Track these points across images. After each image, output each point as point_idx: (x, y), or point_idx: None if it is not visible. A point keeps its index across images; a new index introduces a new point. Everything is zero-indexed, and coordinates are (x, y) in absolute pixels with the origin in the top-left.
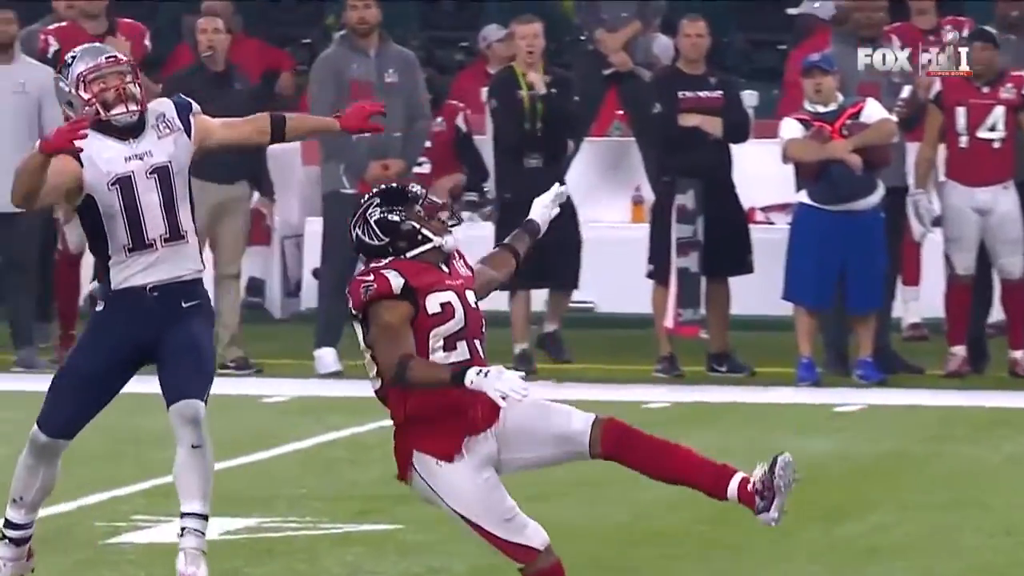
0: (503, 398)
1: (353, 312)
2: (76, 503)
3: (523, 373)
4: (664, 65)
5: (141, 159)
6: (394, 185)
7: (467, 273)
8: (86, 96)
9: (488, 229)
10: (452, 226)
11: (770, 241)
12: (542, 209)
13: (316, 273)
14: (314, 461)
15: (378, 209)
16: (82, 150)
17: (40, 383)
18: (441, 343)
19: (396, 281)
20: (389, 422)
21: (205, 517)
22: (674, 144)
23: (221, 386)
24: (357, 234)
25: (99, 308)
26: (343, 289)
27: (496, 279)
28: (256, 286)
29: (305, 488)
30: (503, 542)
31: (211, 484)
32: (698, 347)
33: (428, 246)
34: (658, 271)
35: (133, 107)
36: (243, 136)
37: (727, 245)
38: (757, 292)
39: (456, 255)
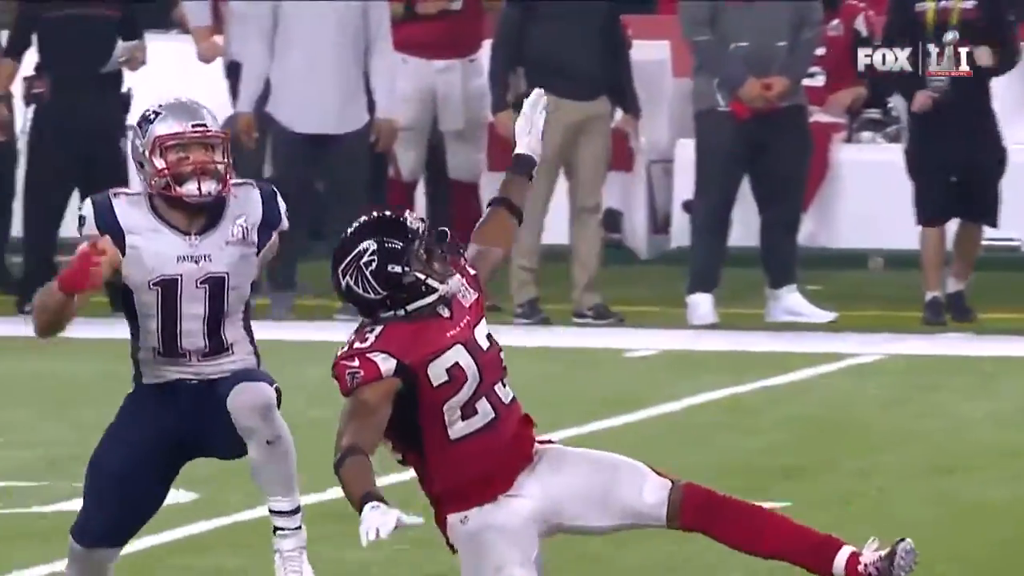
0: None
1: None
2: (399, 476)
3: (419, 520)
4: None
5: (196, 263)
6: (388, 215)
7: (473, 298)
8: (159, 164)
9: (894, 152)
10: (456, 252)
11: None
12: (530, 136)
13: (688, 206)
14: (686, 426)
15: (374, 257)
16: (105, 279)
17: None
18: (458, 414)
19: (386, 365)
20: (774, 381)
21: (297, 510)
22: None
23: (578, 337)
24: (348, 283)
25: (129, 393)
26: (720, 225)
27: (499, 259)
28: (613, 219)
29: (676, 458)
30: None
31: (296, 474)
32: None
33: (432, 297)
34: None
35: (210, 187)
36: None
37: None
38: None
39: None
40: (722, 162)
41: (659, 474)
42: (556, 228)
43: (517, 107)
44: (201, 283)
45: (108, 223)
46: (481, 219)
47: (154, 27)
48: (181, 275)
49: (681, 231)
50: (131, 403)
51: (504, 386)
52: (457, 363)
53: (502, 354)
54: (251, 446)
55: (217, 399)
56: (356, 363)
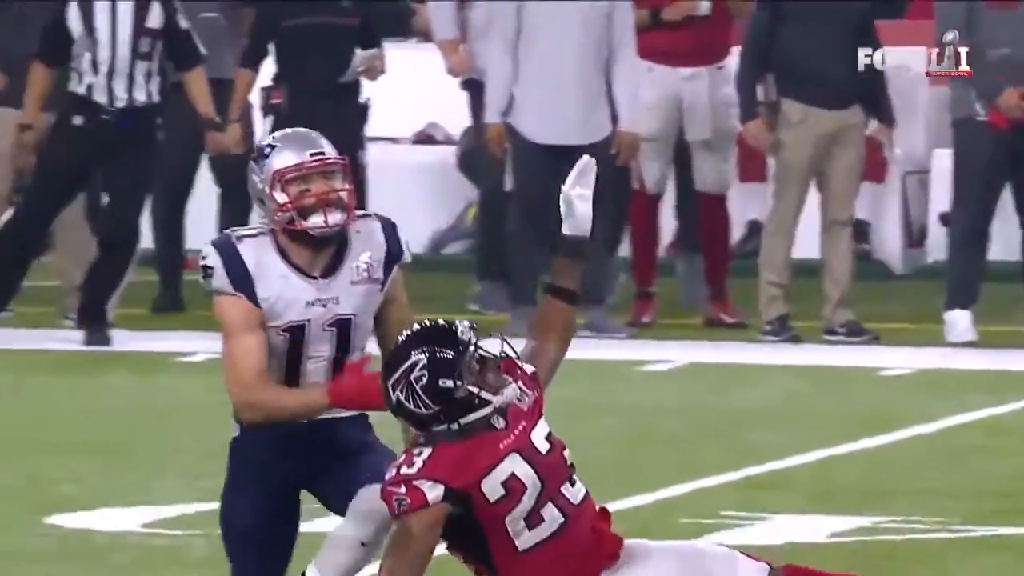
0: None
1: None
2: (654, 495)
3: None
4: None
5: (324, 306)
6: (438, 324)
7: (531, 400)
8: (281, 199)
9: None
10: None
11: None
12: (575, 216)
13: (945, 218)
14: (943, 448)
15: (425, 372)
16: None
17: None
18: (523, 524)
19: (433, 493)
20: None
21: None
22: None
23: (830, 355)
24: (398, 398)
25: (235, 436)
26: (979, 238)
27: (556, 361)
28: (860, 230)
29: (932, 481)
30: None
31: None
32: None
33: (487, 410)
34: None
35: (335, 218)
36: (390, 332)
37: None
38: None
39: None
40: (981, 173)
41: (751, 557)
42: (806, 242)
43: (769, 113)
44: (329, 326)
45: (239, 275)
46: (537, 312)
47: (393, 35)
48: (309, 320)
49: (937, 244)
50: (241, 449)
51: (573, 484)
52: (513, 474)
53: (566, 452)
54: (349, 523)
55: (342, 452)
56: (403, 490)
